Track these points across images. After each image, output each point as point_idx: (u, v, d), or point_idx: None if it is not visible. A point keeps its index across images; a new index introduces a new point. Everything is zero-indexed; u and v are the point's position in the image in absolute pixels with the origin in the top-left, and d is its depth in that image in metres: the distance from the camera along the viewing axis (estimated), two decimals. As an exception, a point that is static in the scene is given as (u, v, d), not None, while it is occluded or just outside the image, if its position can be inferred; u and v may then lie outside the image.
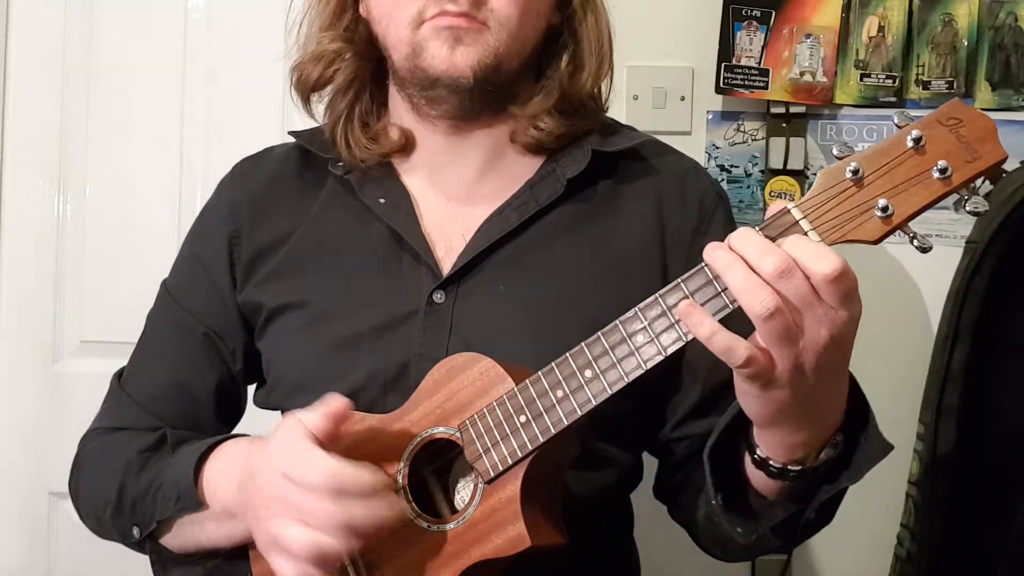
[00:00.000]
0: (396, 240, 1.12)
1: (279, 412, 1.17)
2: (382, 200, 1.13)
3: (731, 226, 1.16)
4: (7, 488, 1.86)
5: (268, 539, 0.92)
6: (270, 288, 1.14)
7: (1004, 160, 0.84)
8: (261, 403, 1.19)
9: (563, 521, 0.99)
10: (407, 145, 1.16)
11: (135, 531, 1.09)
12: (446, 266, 1.10)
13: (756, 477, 0.94)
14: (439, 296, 1.08)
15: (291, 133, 1.22)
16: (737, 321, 0.83)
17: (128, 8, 1.85)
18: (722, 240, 1.05)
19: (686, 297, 0.86)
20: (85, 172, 1.86)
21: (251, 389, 1.23)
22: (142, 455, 1.11)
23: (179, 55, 1.84)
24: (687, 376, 1.11)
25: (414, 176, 1.16)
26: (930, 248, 0.84)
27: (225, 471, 1.03)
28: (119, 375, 1.22)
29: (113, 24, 1.85)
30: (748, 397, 0.86)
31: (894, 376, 1.68)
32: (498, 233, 1.10)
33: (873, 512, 1.67)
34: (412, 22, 1.07)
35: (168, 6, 1.85)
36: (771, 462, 0.91)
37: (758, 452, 0.91)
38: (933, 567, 1.53)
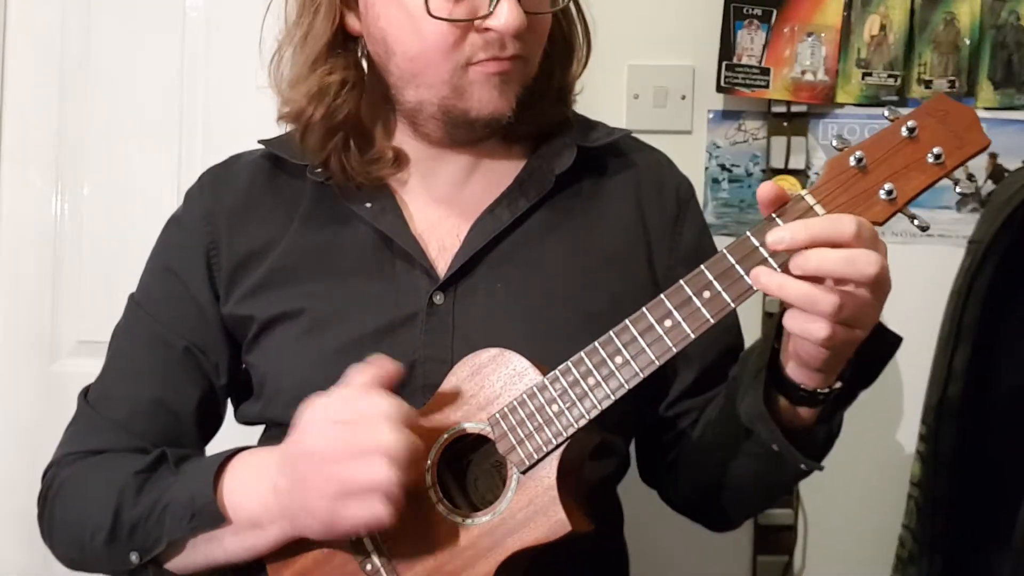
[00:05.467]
0: (386, 243, 1.11)
1: (266, 426, 1.16)
2: (369, 204, 1.12)
3: (702, 215, 1.22)
4: (4, 488, 1.85)
5: (345, 490, 0.92)
6: (260, 300, 1.12)
7: (988, 146, 0.91)
8: (253, 418, 1.16)
9: (587, 509, 1.01)
10: (399, 161, 1.15)
11: (133, 556, 1.05)
12: (440, 267, 1.10)
13: (799, 412, 0.98)
14: (439, 297, 1.08)
15: (261, 141, 1.20)
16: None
17: (126, 8, 1.85)
18: (698, 227, 1.18)
19: (709, 283, 0.92)
20: (83, 172, 1.85)
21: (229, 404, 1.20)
22: (139, 476, 1.06)
23: (177, 55, 1.84)
24: (680, 359, 1.12)
25: (397, 177, 1.15)
26: (927, 227, 0.92)
27: (251, 481, 1.01)
28: (85, 393, 1.17)
29: (111, 24, 1.85)
30: (830, 343, 0.88)
31: (896, 376, 1.67)
32: (492, 232, 1.10)
33: (875, 513, 1.67)
34: (459, 66, 1.04)
35: (166, 6, 1.84)
36: (819, 391, 0.96)
37: (802, 388, 0.96)
38: (935, 568, 1.53)
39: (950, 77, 1.68)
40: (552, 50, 1.13)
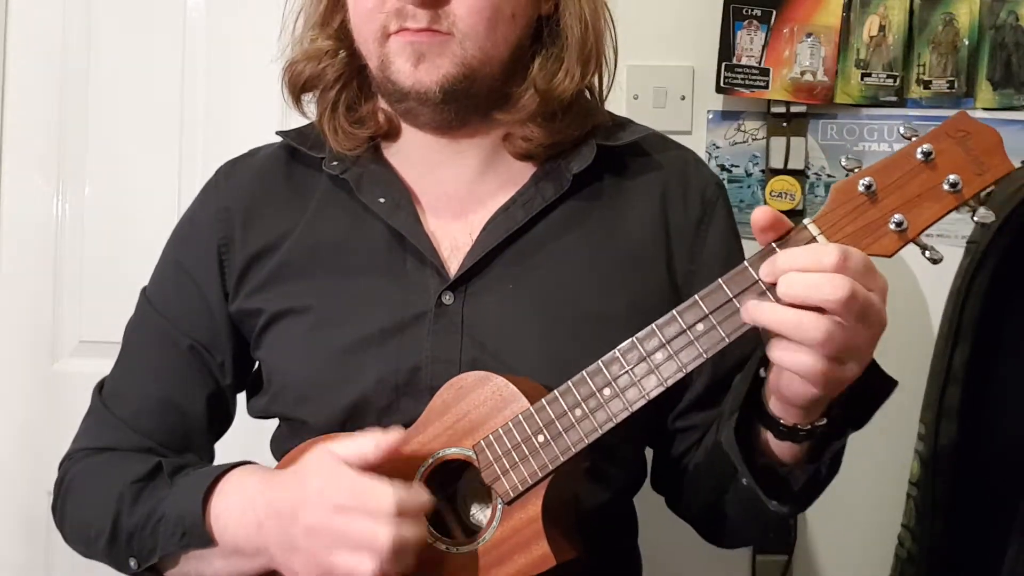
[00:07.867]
0: (398, 240, 1.09)
1: (277, 420, 1.16)
2: (382, 200, 1.10)
3: (730, 217, 1.17)
4: (6, 488, 1.86)
5: (321, 572, 0.92)
6: (267, 294, 1.11)
7: (1011, 172, 0.86)
8: (261, 412, 1.16)
9: (575, 532, 0.99)
10: (392, 129, 1.13)
11: (132, 563, 1.07)
12: (452, 266, 1.08)
13: (781, 448, 0.95)
14: (448, 297, 1.06)
15: (279, 133, 1.19)
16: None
17: (127, 8, 1.85)
18: (724, 230, 1.12)
19: (705, 316, 0.88)
20: (83, 172, 1.86)
21: (242, 397, 1.20)
22: (135, 485, 1.07)
23: (178, 55, 1.84)
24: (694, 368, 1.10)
25: (412, 173, 1.13)
26: (941, 259, 0.86)
27: (237, 508, 1.01)
28: (100, 387, 1.18)
29: (112, 24, 1.85)
30: (818, 378, 0.85)
31: (894, 376, 1.67)
32: (505, 231, 1.08)
33: (874, 512, 1.67)
34: (378, 36, 1.05)
35: (167, 6, 1.85)
36: (799, 427, 0.92)
37: (783, 423, 0.92)
38: (934, 568, 1.53)
39: (949, 77, 1.68)
40: (564, 61, 1.09)
